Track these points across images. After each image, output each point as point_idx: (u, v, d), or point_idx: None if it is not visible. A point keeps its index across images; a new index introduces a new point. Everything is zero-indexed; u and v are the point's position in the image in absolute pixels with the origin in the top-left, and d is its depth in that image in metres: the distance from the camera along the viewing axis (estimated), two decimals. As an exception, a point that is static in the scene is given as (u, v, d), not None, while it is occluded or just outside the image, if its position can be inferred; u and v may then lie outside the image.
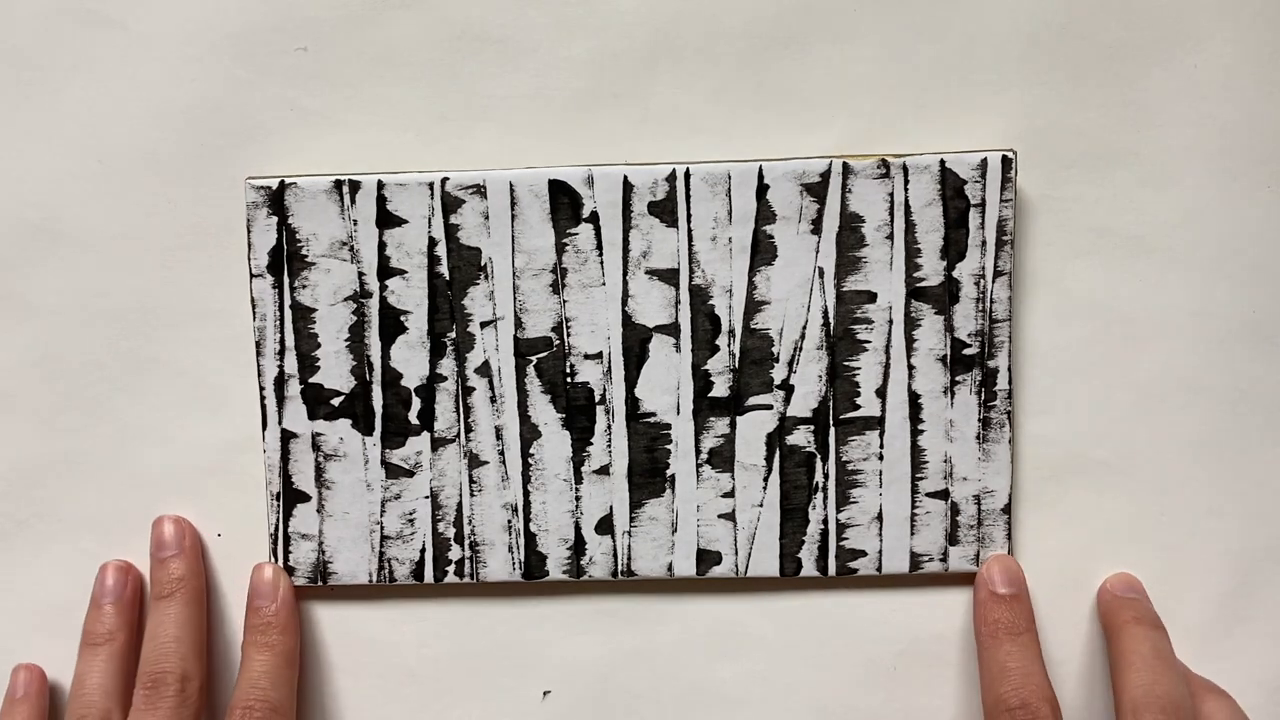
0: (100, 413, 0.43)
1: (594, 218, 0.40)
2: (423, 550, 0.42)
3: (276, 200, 0.40)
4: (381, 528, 0.42)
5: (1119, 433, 0.42)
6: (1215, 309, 0.41)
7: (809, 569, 0.41)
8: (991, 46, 0.41)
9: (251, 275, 0.41)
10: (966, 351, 0.40)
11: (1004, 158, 0.39)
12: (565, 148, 0.41)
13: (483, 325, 0.41)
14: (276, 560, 0.42)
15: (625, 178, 0.40)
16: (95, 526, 0.43)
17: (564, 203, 0.40)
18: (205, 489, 0.43)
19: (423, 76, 0.41)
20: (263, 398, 0.41)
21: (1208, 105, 0.41)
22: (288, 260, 0.41)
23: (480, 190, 0.40)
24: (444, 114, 0.41)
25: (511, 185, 0.40)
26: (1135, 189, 0.41)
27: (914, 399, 0.41)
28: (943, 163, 0.39)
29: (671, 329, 0.40)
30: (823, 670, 0.43)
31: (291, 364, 0.41)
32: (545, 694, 0.43)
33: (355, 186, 0.40)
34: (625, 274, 0.40)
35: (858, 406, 0.41)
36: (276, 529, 0.42)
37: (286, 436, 0.41)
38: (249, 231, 0.40)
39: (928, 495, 0.41)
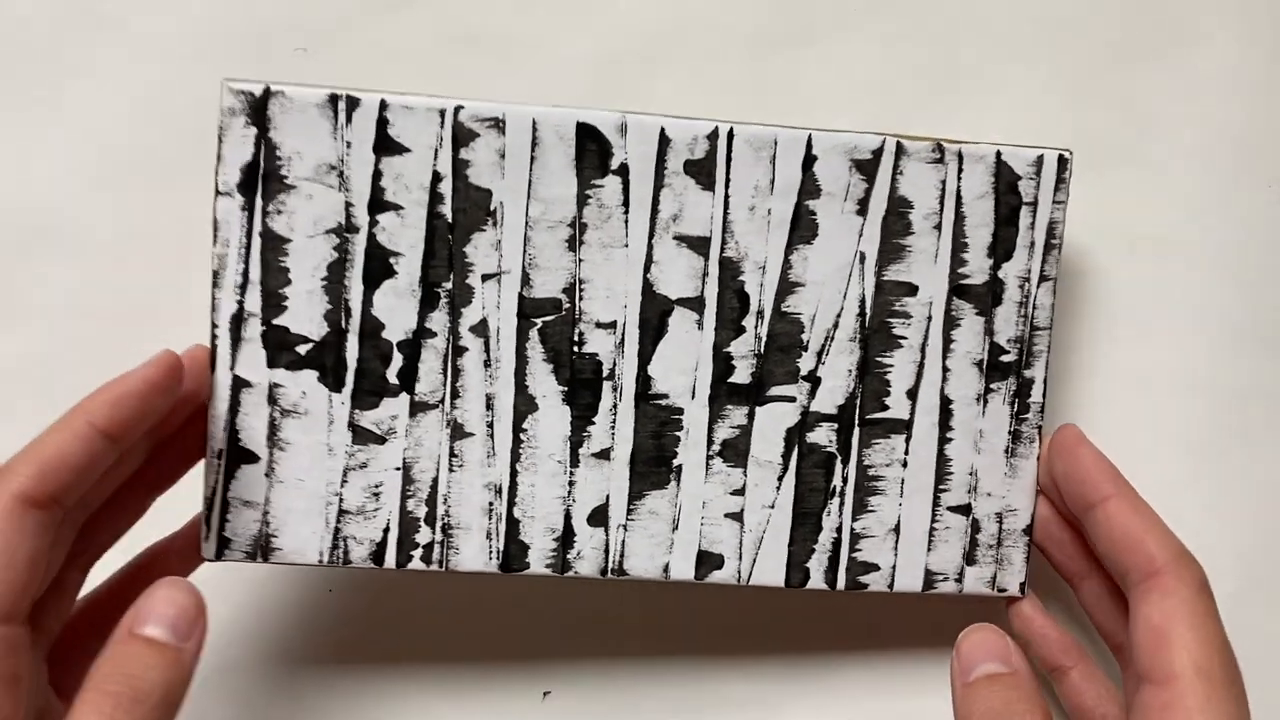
0: None
1: (623, 170, 0.36)
2: (386, 530, 0.36)
3: (258, 110, 0.35)
4: (341, 500, 0.36)
5: (1118, 432, 0.41)
6: (1215, 309, 0.41)
7: (816, 580, 0.38)
8: (991, 46, 0.41)
9: (218, 193, 0.35)
10: (1004, 358, 0.38)
11: (1060, 157, 0.37)
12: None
13: (484, 278, 0.36)
14: (210, 529, 0.36)
15: (663, 130, 0.36)
16: None
17: (591, 150, 0.36)
18: (202, 488, 0.37)
19: (423, 76, 0.40)
20: (214, 337, 0.35)
21: (1208, 105, 0.41)
22: (263, 180, 0.35)
23: (498, 125, 0.35)
24: None
25: (535, 123, 0.35)
26: (1135, 189, 0.41)
27: (945, 404, 0.38)
28: (999, 154, 0.37)
29: (695, 303, 0.37)
30: (823, 671, 0.41)
31: (254, 301, 0.35)
32: (545, 694, 0.41)
33: (354, 104, 0.35)
34: (651, 237, 0.36)
35: (886, 407, 0.37)
36: (214, 493, 0.36)
37: (238, 385, 0.35)
38: (220, 143, 0.35)
39: (949, 509, 0.38)
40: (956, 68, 0.41)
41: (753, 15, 0.40)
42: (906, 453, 0.38)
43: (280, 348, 0.35)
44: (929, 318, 0.37)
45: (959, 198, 0.37)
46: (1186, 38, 0.41)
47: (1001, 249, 0.37)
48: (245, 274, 0.35)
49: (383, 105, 0.35)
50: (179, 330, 0.37)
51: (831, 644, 0.41)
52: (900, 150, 0.37)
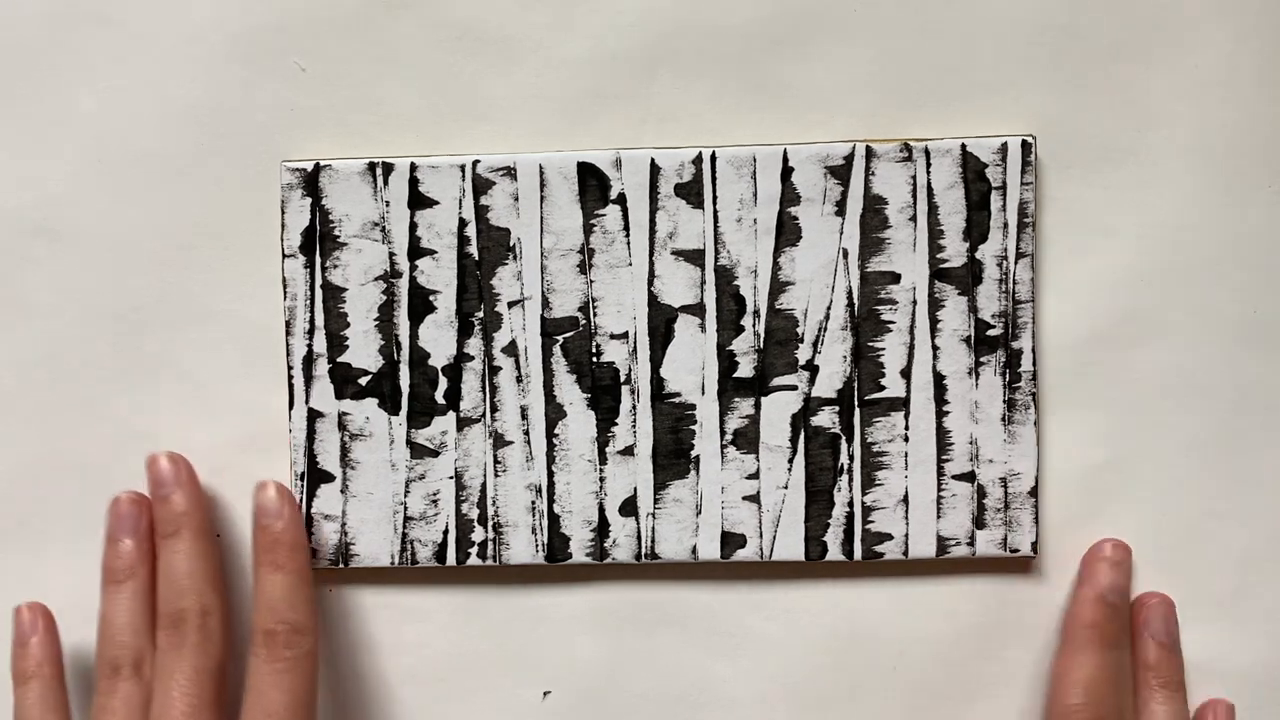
0: (100, 413, 0.43)
1: (621, 199, 0.41)
2: (446, 531, 0.42)
3: (311, 182, 0.41)
4: (405, 508, 0.42)
5: (1118, 432, 0.42)
6: (1215, 309, 0.42)
7: (834, 553, 0.41)
8: (990, 47, 0.41)
9: (284, 255, 0.41)
10: (990, 332, 0.41)
11: (1024, 142, 0.40)
12: (565, 148, 0.42)
13: (510, 305, 0.41)
14: (298, 541, 0.42)
15: (652, 160, 0.41)
16: (95, 526, 0.42)
17: (592, 185, 0.41)
18: (205, 489, 0.43)
19: (423, 77, 0.42)
20: (290, 377, 0.42)
21: (1208, 105, 0.41)
22: (320, 241, 0.41)
23: (510, 172, 0.41)
24: (444, 114, 0.42)
25: (541, 167, 0.41)
26: (1135, 189, 0.41)
27: (939, 380, 0.41)
28: (964, 147, 0.40)
29: (697, 309, 0.41)
30: (823, 671, 0.42)
31: (320, 343, 0.41)
32: (545, 694, 0.43)
33: (388, 169, 0.41)
34: (651, 254, 0.41)
35: (882, 387, 0.41)
36: (300, 510, 0.42)
37: (313, 416, 0.42)
38: (283, 212, 0.41)
39: (954, 478, 0.41)
40: (954, 67, 0.41)
41: (752, 15, 0.41)
42: (907, 428, 0.41)
43: (345, 381, 0.42)
44: (914, 302, 0.41)
45: (930, 190, 0.40)
46: (1185, 37, 0.41)
47: (976, 232, 0.40)
48: (311, 321, 0.41)
49: (413, 167, 0.41)
50: (179, 330, 0.42)
51: (831, 644, 0.42)
52: (870, 153, 0.40)
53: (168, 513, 0.41)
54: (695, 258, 0.41)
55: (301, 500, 0.42)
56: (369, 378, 0.41)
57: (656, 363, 0.41)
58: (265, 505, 0.40)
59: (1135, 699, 0.40)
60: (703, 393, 0.41)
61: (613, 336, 0.41)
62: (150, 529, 0.41)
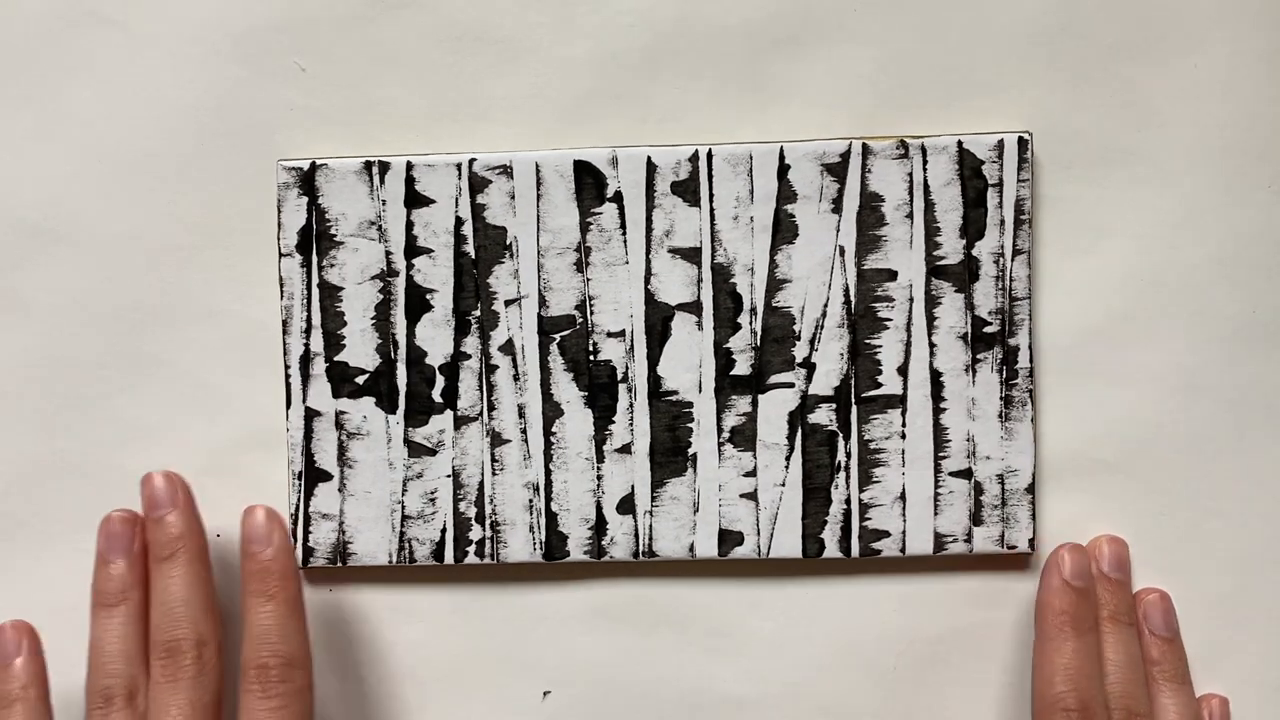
0: (100, 413, 0.43)
1: (618, 197, 0.41)
2: (443, 530, 0.42)
3: (307, 181, 0.41)
4: (403, 507, 0.42)
5: (1118, 432, 0.42)
6: (1215, 309, 0.41)
7: (832, 550, 0.41)
8: (991, 47, 0.41)
9: (280, 255, 0.41)
10: (987, 329, 0.41)
11: (1020, 139, 0.40)
12: (565, 147, 0.41)
13: (507, 303, 0.41)
14: (296, 541, 0.42)
15: (649, 158, 0.41)
16: (95, 527, 0.42)
17: (588, 183, 0.41)
18: (205, 489, 0.42)
19: (423, 77, 0.42)
20: (287, 376, 0.42)
21: (1208, 105, 0.41)
22: (317, 240, 0.41)
23: (506, 170, 0.41)
24: (444, 114, 0.42)
25: (537, 166, 0.41)
26: (1135, 189, 0.41)
27: (935, 377, 0.41)
28: (960, 144, 0.40)
29: (694, 307, 0.41)
30: (823, 670, 0.42)
31: (317, 342, 0.41)
32: (545, 694, 0.43)
33: (385, 167, 0.41)
34: (648, 252, 0.41)
35: (879, 385, 0.41)
36: (297, 508, 0.42)
37: (310, 415, 0.42)
38: (279, 212, 0.41)
39: (951, 474, 0.41)
40: (955, 68, 0.41)
41: (752, 15, 0.41)
42: (904, 425, 0.41)
43: (342, 380, 0.42)
44: (910, 299, 0.41)
45: (926, 187, 0.40)
46: (1185, 37, 0.41)
47: (973, 229, 0.40)
48: (308, 320, 0.41)
49: (409, 166, 0.41)
50: (179, 330, 0.42)
51: (830, 644, 0.42)
52: (866, 150, 0.40)
53: (163, 535, 0.39)
54: (692, 255, 0.41)
55: (299, 499, 0.42)
56: (366, 376, 0.41)
57: (654, 361, 0.41)
58: (253, 531, 0.39)
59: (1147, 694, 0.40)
60: (700, 390, 0.41)
61: (610, 334, 0.41)
62: (144, 550, 0.40)
